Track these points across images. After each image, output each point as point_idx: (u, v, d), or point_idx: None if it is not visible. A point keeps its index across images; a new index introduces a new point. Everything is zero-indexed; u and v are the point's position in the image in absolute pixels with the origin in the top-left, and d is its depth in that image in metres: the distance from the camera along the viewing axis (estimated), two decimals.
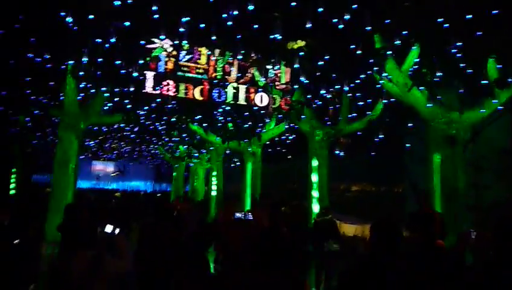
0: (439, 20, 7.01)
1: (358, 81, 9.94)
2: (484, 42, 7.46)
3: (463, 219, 7.96)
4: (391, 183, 17.84)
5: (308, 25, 7.01)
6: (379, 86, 9.29)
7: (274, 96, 11.30)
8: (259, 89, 11.15)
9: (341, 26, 7.30)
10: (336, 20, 7.26)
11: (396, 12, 7.38)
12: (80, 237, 3.59)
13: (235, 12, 7.17)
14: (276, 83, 11.39)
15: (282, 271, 2.81)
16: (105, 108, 12.29)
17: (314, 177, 12.02)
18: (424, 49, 8.21)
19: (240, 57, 9.77)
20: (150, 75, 9.94)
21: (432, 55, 8.18)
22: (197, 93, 10.37)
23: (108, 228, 3.56)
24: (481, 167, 11.41)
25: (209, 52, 10.51)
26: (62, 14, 7.33)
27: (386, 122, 11.39)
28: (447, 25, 7.05)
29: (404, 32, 7.54)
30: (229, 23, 7.47)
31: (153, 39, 9.72)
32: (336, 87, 10.55)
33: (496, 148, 11.53)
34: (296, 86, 11.45)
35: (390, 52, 8.07)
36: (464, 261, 3.47)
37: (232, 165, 21.96)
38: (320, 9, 6.76)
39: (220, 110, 12.96)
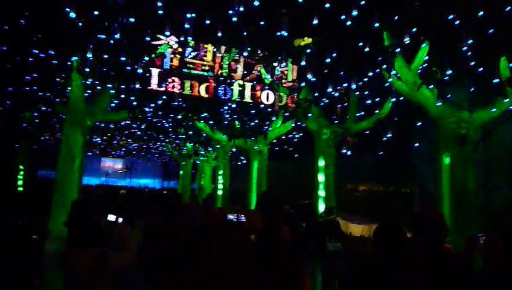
0: (449, 17, 6.84)
1: (366, 79, 9.78)
2: (496, 40, 7.28)
3: (472, 221, 7.79)
4: (399, 184, 17.67)
5: (315, 22, 6.88)
6: (388, 84, 9.14)
7: (280, 94, 11.19)
8: (266, 87, 11.04)
9: (349, 22, 7.17)
10: (343, 16, 7.13)
11: (406, 9, 7.23)
12: (87, 234, 3.57)
13: (241, 9, 7.07)
14: (283, 81, 11.28)
15: (280, 270, 2.75)
16: (112, 105, 12.28)
17: (321, 177, 11.89)
18: (434, 47, 8.05)
19: (246, 54, 9.67)
20: (155, 72, 9.90)
21: (442, 53, 8.01)
22: (202, 91, 10.30)
23: (111, 217, 3.57)
24: (491, 167, 11.21)
25: (215, 49, 10.42)
26: (66, 9, 7.27)
27: (395, 121, 11.22)
28: (457, 22, 6.88)
29: (413, 30, 7.39)
30: (235, 19, 7.37)
31: (158, 36, 9.66)
32: (344, 85, 10.41)
33: (507, 149, 11.32)
34: (303, 84, 11.33)
35: (399, 49, 7.91)
36: (472, 267, 3.34)
37: (239, 163, 21.88)
38: (328, 6, 6.63)
39: (226, 107, 12.87)
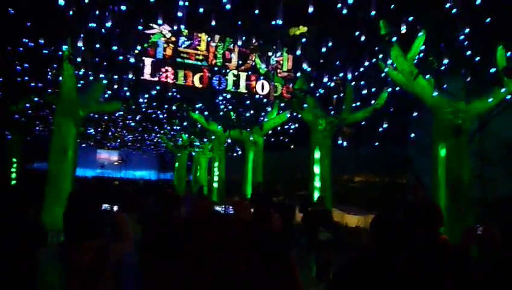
0: (446, 5, 6.73)
1: (362, 69, 9.68)
2: (493, 29, 7.19)
3: (468, 212, 7.77)
4: (395, 174, 17.68)
5: (311, 10, 6.75)
6: (384, 74, 9.05)
7: (276, 84, 11.06)
8: (261, 77, 10.91)
9: (345, 11, 7.05)
10: (339, 4, 7.00)
11: None
12: (87, 227, 3.53)
13: None
14: (278, 71, 11.15)
15: (268, 263, 2.70)
16: (105, 96, 12.12)
17: (317, 169, 11.83)
18: (431, 36, 7.95)
19: (240, 43, 9.51)
20: (148, 61, 9.74)
21: (439, 43, 7.91)
22: (196, 81, 10.16)
23: (107, 206, 3.53)
24: (487, 158, 11.19)
25: (209, 38, 10.26)
26: None
27: (391, 111, 11.16)
28: (454, 10, 6.77)
29: (410, 18, 7.28)
30: (229, 7, 7.22)
31: (151, 24, 9.49)
32: (340, 75, 10.30)
33: (503, 140, 11.29)
34: (298, 74, 11.21)
35: (395, 38, 7.81)
36: (470, 257, 3.29)
37: (235, 154, 21.79)
38: None
39: (221, 98, 12.73)
